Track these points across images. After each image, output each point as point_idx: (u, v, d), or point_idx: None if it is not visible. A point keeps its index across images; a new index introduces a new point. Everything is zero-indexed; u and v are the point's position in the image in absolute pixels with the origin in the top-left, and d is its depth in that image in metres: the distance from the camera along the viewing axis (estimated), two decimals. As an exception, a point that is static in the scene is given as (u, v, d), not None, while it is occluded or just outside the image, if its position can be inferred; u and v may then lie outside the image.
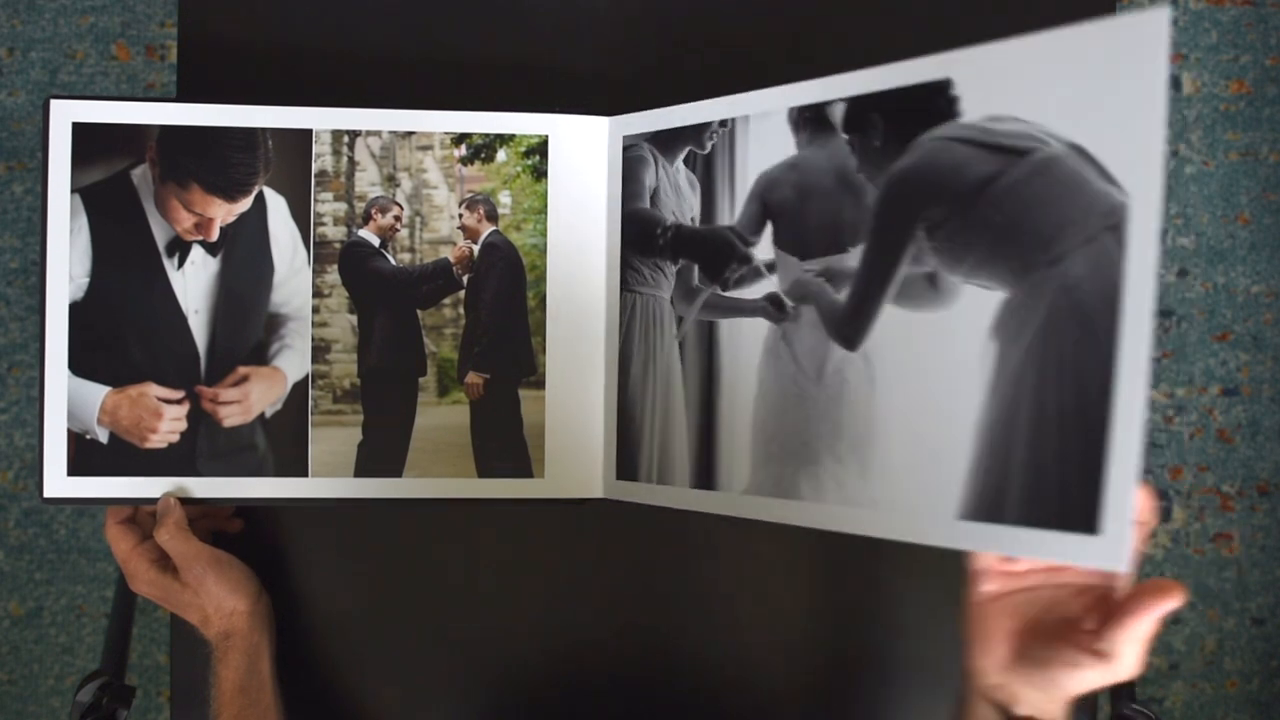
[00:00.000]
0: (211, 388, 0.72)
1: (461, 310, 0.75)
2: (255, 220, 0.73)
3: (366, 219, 0.74)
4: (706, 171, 0.70)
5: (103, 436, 0.71)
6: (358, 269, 0.74)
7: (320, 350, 0.73)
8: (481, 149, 0.74)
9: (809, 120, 0.66)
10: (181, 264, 0.72)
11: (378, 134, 0.73)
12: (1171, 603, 0.50)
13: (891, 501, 0.61)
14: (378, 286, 0.74)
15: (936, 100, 0.62)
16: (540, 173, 0.75)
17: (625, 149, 0.74)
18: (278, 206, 0.73)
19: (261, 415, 0.73)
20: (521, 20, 0.80)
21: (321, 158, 0.73)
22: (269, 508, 0.78)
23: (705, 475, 0.70)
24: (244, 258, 0.73)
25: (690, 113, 0.73)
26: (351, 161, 0.74)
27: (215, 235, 0.72)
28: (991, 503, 0.55)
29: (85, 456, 0.71)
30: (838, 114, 0.65)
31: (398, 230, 0.74)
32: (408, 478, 0.74)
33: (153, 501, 0.71)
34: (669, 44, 0.80)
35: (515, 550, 0.80)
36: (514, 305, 0.75)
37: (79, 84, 1.43)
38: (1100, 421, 0.51)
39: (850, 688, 0.82)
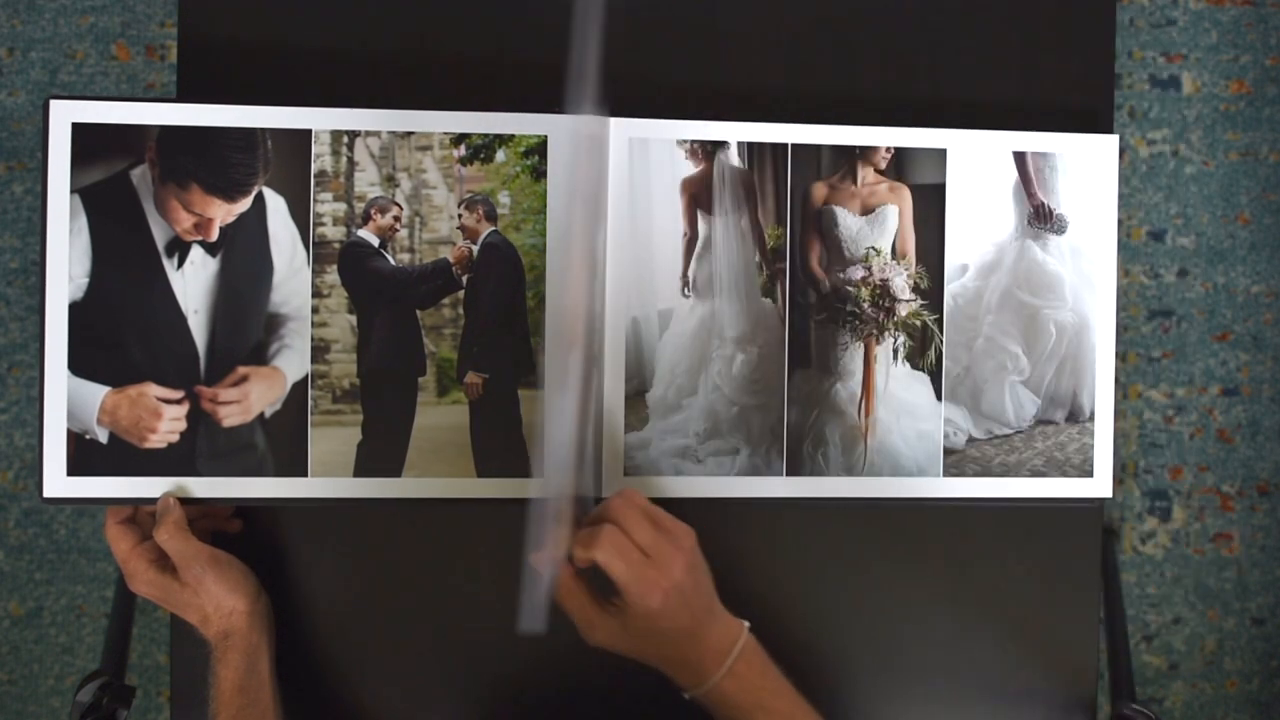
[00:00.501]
0: (211, 388, 0.72)
1: (461, 310, 0.75)
2: (255, 220, 0.73)
3: (366, 219, 0.74)
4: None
5: (102, 436, 0.71)
6: (357, 269, 0.74)
7: (319, 350, 0.74)
8: (480, 149, 0.74)
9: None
10: (181, 264, 0.72)
11: (377, 134, 0.73)
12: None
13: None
14: (377, 286, 0.74)
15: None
16: (539, 173, 0.75)
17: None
18: (277, 207, 0.73)
19: (261, 415, 0.73)
20: (522, 19, 0.80)
21: (321, 158, 0.73)
22: (268, 508, 0.78)
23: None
24: (244, 257, 0.73)
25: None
26: (351, 162, 0.74)
27: (215, 235, 0.72)
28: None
29: (85, 456, 0.71)
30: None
31: (397, 230, 0.74)
32: (407, 478, 0.74)
33: (152, 501, 0.71)
34: (669, 43, 0.80)
35: (515, 550, 0.80)
36: (513, 305, 0.75)
37: (79, 84, 1.43)
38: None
39: (850, 687, 0.82)
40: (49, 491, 0.71)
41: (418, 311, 0.74)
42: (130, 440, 0.71)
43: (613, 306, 0.74)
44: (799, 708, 0.65)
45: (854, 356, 0.77)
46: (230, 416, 0.72)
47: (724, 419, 0.76)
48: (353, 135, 0.73)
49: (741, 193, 0.76)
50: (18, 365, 1.43)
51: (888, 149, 0.77)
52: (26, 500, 1.43)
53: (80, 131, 0.71)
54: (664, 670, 0.65)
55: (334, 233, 0.74)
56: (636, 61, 0.80)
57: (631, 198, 0.75)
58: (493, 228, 0.75)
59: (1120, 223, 1.47)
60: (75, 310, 0.71)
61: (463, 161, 0.74)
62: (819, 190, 0.77)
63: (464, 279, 0.74)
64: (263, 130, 0.72)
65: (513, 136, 0.74)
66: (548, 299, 0.74)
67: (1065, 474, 0.79)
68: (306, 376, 0.73)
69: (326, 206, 0.73)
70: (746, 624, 0.66)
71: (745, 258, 0.76)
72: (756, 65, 0.81)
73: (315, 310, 0.73)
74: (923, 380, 0.78)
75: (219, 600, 0.71)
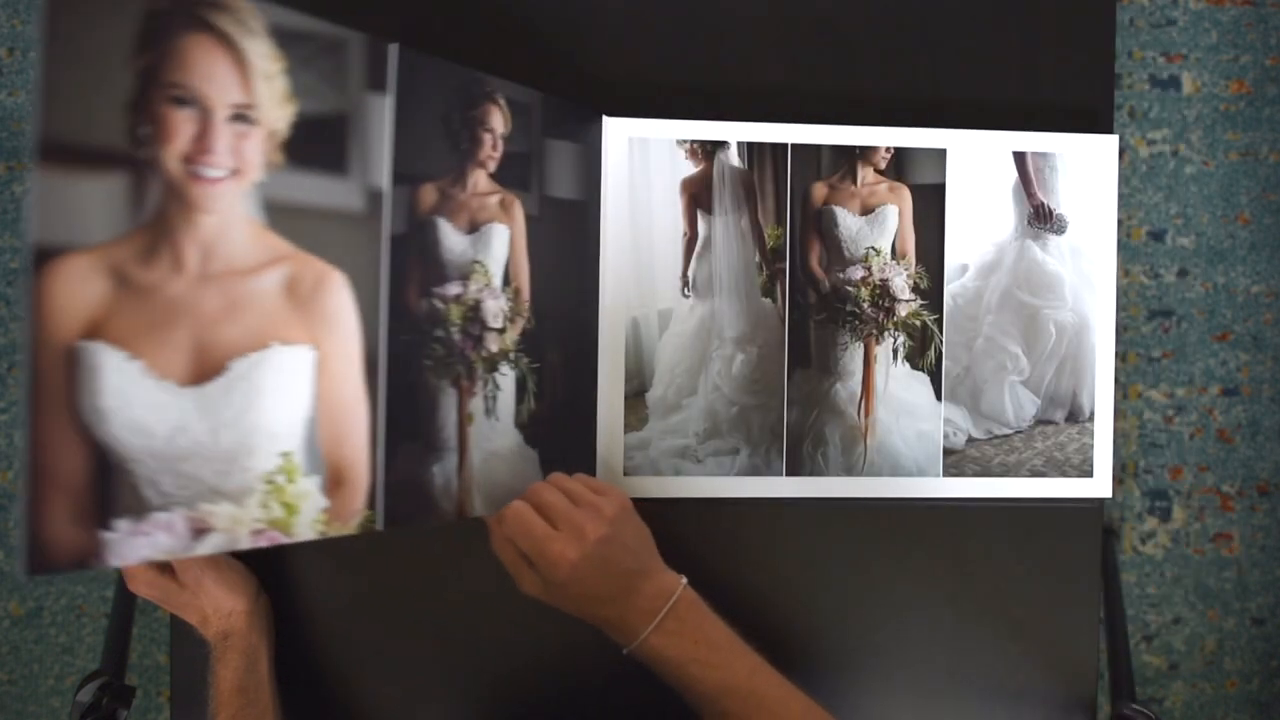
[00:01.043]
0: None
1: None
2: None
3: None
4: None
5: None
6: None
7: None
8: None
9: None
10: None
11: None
12: None
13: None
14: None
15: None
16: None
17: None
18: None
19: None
20: (525, 15, 0.80)
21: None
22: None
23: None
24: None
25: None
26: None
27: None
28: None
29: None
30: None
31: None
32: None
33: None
34: (669, 43, 0.80)
35: (515, 550, 0.80)
36: (513, 305, 0.75)
37: (79, 84, 1.43)
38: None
39: (850, 687, 0.82)
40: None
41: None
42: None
43: (613, 306, 0.74)
44: (739, 657, 0.66)
45: (854, 356, 0.77)
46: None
47: (724, 419, 0.76)
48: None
49: (741, 193, 0.76)
50: (18, 365, 1.43)
51: (888, 149, 0.77)
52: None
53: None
54: (596, 627, 0.66)
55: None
56: (637, 61, 0.80)
57: (631, 198, 0.75)
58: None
59: (1120, 223, 1.47)
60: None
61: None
62: (819, 190, 0.77)
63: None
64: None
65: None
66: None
67: (1065, 474, 0.79)
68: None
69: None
70: (683, 579, 0.67)
71: (745, 258, 0.76)
72: (756, 65, 0.81)
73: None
74: (922, 380, 0.78)
75: (218, 601, 0.71)
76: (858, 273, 0.77)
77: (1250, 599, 1.52)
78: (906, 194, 0.77)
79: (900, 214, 0.77)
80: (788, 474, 0.77)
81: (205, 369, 0.52)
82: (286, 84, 0.54)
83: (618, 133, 0.74)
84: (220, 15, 0.51)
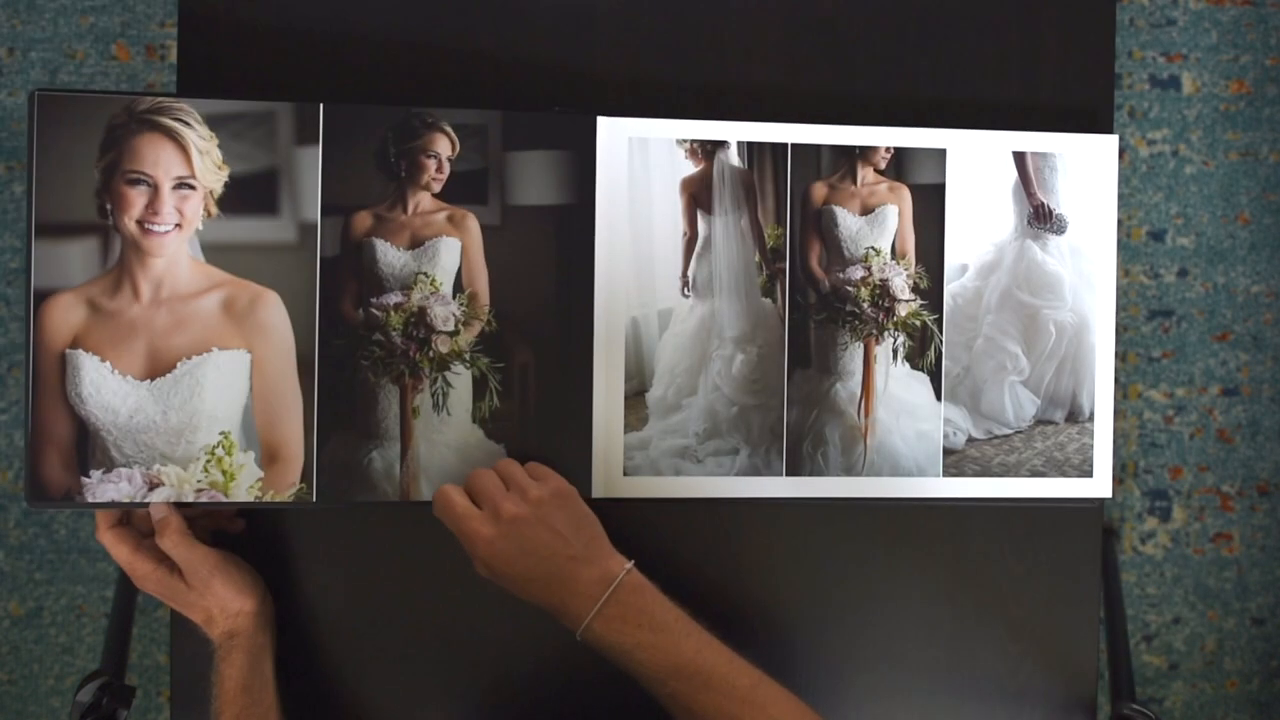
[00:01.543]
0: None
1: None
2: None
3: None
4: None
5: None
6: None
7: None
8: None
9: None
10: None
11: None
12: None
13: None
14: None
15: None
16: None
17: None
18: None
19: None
20: (523, 17, 0.80)
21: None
22: (269, 508, 0.78)
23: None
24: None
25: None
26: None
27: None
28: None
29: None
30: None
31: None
32: (407, 478, 0.74)
33: (143, 506, 0.70)
34: (669, 43, 0.80)
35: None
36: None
37: (79, 84, 1.43)
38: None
39: (850, 687, 0.82)
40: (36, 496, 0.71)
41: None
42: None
43: (612, 306, 0.74)
44: (685, 637, 0.66)
45: (854, 356, 0.77)
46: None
47: (724, 419, 0.76)
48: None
49: (741, 192, 0.76)
50: (18, 365, 1.43)
51: (887, 149, 0.77)
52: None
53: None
54: (543, 612, 0.68)
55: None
56: (637, 61, 0.80)
57: (631, 198, 0.75)
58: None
59: (1120, 223, 1.47)
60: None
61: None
62: (819, 190, 0.77)
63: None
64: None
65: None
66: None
67: (1065, 474, 0.79)
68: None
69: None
70: (628, 564, 0.68)
71: (745, 258, 0.76)
72: (756, 65, 0.81)
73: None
74: (922, 380, 0.78)
75: (225, 602, 0.71)
76: (858, 273, 0.77)
77: (1250, 599, 1.52)
78: (906, 194, 0.77)
79: (900, 214, 0.77)
80: (788, 474, 0.77)
81: (158, 368, 0.70)
82: (220, 154, 0.70)
83: (616, 132, 0.74)
84: (163, 117, 0.69)
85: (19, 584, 1.43)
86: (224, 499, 0.70)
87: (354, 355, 0.72)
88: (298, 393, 0.71)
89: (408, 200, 0.72)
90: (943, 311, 0.78)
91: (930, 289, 0.78)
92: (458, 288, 0.73)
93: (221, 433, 0.70)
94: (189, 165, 0.69)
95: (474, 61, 0.79)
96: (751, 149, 0.76)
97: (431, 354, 0.72)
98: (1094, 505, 0.81)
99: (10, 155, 1.43)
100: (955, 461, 0.78)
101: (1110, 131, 0.81)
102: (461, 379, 0.73)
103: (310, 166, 0.71)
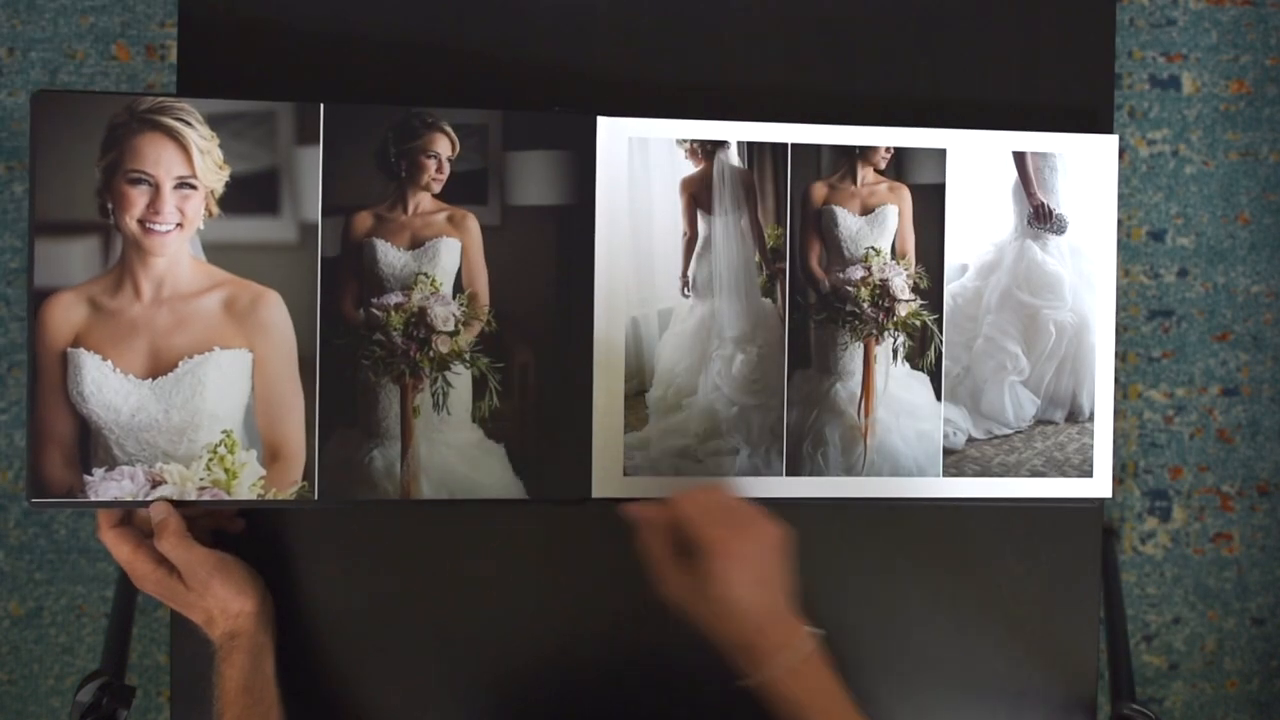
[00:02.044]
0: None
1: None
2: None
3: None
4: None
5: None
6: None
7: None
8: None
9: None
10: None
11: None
12: None
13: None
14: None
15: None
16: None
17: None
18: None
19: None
20: (523, 17, 0.80)
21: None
22: (269, 508, 0.78)
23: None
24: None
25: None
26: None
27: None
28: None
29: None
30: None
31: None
32: (407, 478, 0.74)
33: (144, 504, 0.70)
34: (669, 43, 0.80)
35: (515, 550, 0.80)
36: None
37: (79, 84, 1.43)
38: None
39: (850, 687, 0.82)
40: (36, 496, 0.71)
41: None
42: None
43: (612, 306, 0.74)
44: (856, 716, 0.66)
45: (854, 356, 0.77)
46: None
47: (724, 419, 0.76)
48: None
49: (741, 192, 0.76)
50: (18, 365, 1.43)
51: (887, 149, 0.77)
52: (26, 500, 1.43)
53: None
54: (721, 648, 0.66)
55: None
56: (637, 61, 0.80)
57: (631, 197, 0.75)
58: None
59: (1120, 223, 1.47)
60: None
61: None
62: (819, 190, 0.77)
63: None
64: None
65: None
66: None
67: (1065, 474, 0.79)
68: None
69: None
70: (820, 632, 0.67)
71: (745, 257, 0.76)
72: (756, 65, 0.81)
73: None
74: (922, 380, 0.78)
75: (225, 603, 0.71)
76: (858, 273, 0.77)
77: (1250, 599, 1.52)
78: (906, 194, 0.77)
79: (900, 214, 0.77)
80: (788, 474, 0.77)
81: (160, 366, 0.70)
82: (221, 154, 0.70)
83: (617, 132, 0.74)
84: (164, 116, 0.69)
85: (19, 584, 1.43)
86: (226, 497, 0.70)
87: (355, 355, 0.72)
88: (299, 392, 0.71)
89: (408, 200, 0.72)
90: (943, 311, 0.78)
91: (930, 289, 0.78)
92: (458, 288, 0.73)
93: (223, 431, 0.70)
94: (190, 165, 0.69)
95: (474, 61, 0.79)
96: (751, 149, 0.76)
97: (432, 354, 0.72)
98: (1094, 505, 0.81)
99: (10, 155, 1.43)
100: (955, 461, 0.78)
101: (1110, 131, 0.81)
102: (461, 379, 0.73)
103: (311, 166, 0.71)
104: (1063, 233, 0.79)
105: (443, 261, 0.72)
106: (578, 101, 0.79)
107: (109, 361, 0.69)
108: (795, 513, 0.80)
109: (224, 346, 0.70)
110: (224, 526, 0.77)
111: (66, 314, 0.69)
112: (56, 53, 1.42)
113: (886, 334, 0.77)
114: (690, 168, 0.76)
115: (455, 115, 0.72)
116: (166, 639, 1.41)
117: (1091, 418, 0.79)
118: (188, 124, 0.69)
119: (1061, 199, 0.78)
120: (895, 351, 0.78)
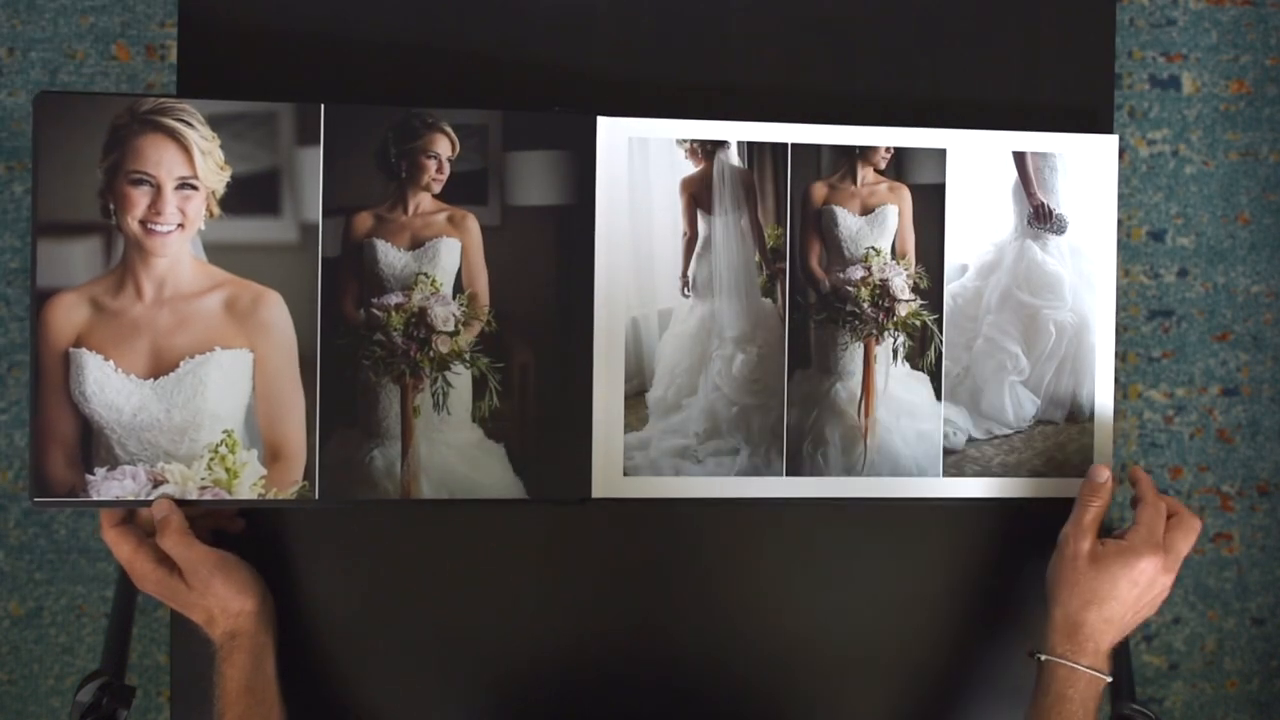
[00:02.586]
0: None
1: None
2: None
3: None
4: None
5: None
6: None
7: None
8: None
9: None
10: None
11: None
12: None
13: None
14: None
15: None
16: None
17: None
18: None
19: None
20: (523, 17, 0.80)
21: (321, 158, 0.73)
22: (270, 508, 0.78)
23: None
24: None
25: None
26: (350, 162, 0.74)
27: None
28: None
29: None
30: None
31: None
32: (407, 478, 0.74)
33: (147, 504, 0.70)
34: (669, 43, 0.80)
35: (515, 550, 0.80)
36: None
37: (79, 84, 1.43)
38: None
39: (850, 687, 0.82)
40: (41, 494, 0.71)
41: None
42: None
43: (612, 306, 0.74)
44: None
45: (854, 356, 0.77)
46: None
47: (724, 419, 0.76)
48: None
49: (741, 192, 0.76)
50: (18, 365, 1.43)
51: (887, 149, 0.77)
52: (26, 500, 1.43)
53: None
54: (1049, 612, 0.73)
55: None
56: (637, 61, 0.80)
57: (631, 197, 0.75)
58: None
59: (1120, 223, 1.47)
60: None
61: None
62: (819, 190, 0.77)
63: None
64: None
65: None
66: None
67: (1065, 474, 0.79)
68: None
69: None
70: (1108, 679, 0.72)
71: (745, 257, 0.76)
72: (756, 65, 0.81)
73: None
74: (922, 380, 0.78)
75: (226, 602, 0.71)
76: (858, 273, 0.77)
77: (1250, 599, 1.52)
78: (906, 194, 0.77)
79: (900, 214, 0.77)
80: (788, 474, 0.77)
81: (161, 366, 0.70)
82: (222, 155, 0.70)
83: (616, 132, 0.74)
84: (166, 117, 0.69)
85: (19, 584, 1.43)
86: (228, 496, 0.71)
87: (355, 355, 0.72)
88: (300, 392, 0.71)
89: (408, 201, 0.72)
90: (943, 311, 0.78)
91: (930, 289, 0.78)
92: (458, 288, 0.73)
93: (224, 431, 0.70)
94: (191, 165, 0.69)
95: (474, 61, 0.79)
96: (751, 149, 0.76)
97: (432, 354, 0.72)
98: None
99: (10, 155, 1.43)
100: (955, 461, 0.78)
101: (1110, 131, 0.81)
102: (461, 379, 0.73)
103: (311, 167, 0.71)
104: (1063, 233, 0.79)
105: (443, 262, 0.72)
106: (578, 101, 0.79)
107: (111, 361, 0.69)
108: (795, 513, 0.81)
109: (225, 346, 0.70)
110: (224, 526, 0.77)
111: (68, 314, 0.69)
112: (56, 53, 1.42)
113: (886, 334, 0.77)
114: (690, 168, 0.76)
115: (455, 115, 0.73)
116: (166, 639, 1.41)
117: (1091, 418, 0.79)
118: (189, 125, 0.69)
119: (1061, 199, 0.78)
120: (895, 351, 0.78)
